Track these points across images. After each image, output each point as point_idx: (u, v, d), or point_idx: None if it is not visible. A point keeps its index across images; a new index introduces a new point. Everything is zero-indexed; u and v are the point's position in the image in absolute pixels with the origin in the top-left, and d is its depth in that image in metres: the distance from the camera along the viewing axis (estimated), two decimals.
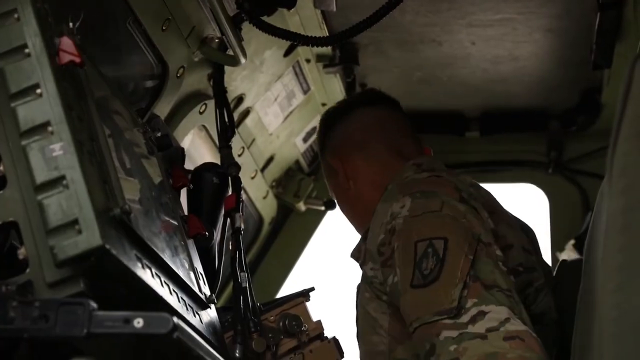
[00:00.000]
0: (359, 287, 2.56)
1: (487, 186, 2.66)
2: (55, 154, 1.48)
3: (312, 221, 4.12)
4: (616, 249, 1.44)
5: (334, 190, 2.93)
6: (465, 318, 2.09)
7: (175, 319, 1.40)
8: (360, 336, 2.56)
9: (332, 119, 2.92)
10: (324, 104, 3.79)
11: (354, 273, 2.66)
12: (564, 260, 2.72)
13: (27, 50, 1.55)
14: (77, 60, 1.62)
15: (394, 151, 2.74)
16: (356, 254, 2.65)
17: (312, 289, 2.72)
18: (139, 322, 1.38)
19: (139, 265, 1.64)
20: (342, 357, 2.70)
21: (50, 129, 1.49)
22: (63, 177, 1.47)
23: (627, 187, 1.44)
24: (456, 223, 2.27)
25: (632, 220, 1.42)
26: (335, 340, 2.68)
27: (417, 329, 2.17)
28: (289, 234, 4.12)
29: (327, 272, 5.09)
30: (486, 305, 2.09)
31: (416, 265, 2.21)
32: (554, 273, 2.70)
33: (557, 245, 3.77)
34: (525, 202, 4.40)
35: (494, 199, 2.61)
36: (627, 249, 1.42)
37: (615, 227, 1.44)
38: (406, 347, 2.36)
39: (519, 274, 2.37)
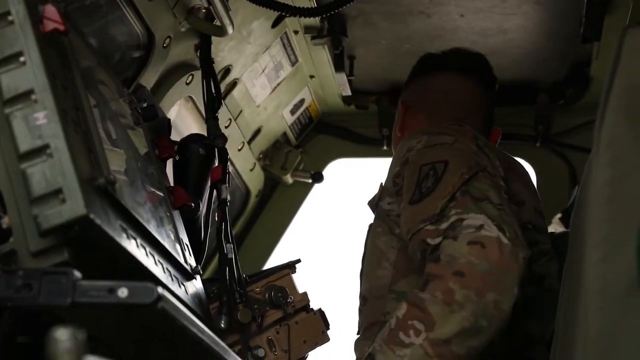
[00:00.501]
0: (370, 225, 2.59)
1: None
2: (39, 122, 1.46)
3: (299, 194, 4.11)
4: (602, 220, 1.43)
5: (393, 129, 2.98)
6: (444, 225, 2.16)
7: (159, 289, 1.39)
8: (364, 273, 2.57)
9: (424, 67, 2.97)
10: (312, 76, 3.77)
11: (340, 246, 2.66)
12: (550, 233, 2.72)
13: (10, 18, 1.53)
14: (61, 28, 1.61)
15: (457, 122, 2.69)
16: (372, 200, 2.65)
17: (299, 260, 2.73)
18: (123, 292, 1.37)
19: (124, 235, 1.63)
20: (328, 328, 2.71)
21: (34, 97, 1.47)
22: (47, 146, 1.45)
23: (614, 159, 1.43)
24: (464, 153, 2.34)
25: (618, 192, 1.42)
26: (321, 312, 2.69)
27: (410, 240, 2.26)
28: (276, 206, 4.10)
29: (314, 245, 5.10)
30: (467, 214, 2.16)
31: (417, 186, 2.31)
32: None
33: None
34: None
35: (519, 166, 2.67)
36: (613, 220, 1.42)
37: (601, 198, 1.44)
38: (409, 281, 2.39)
39: (527, 230, 2.40)
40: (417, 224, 2.23)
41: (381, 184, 2.58)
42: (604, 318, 1.41)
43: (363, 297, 2.53)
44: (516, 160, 2.68)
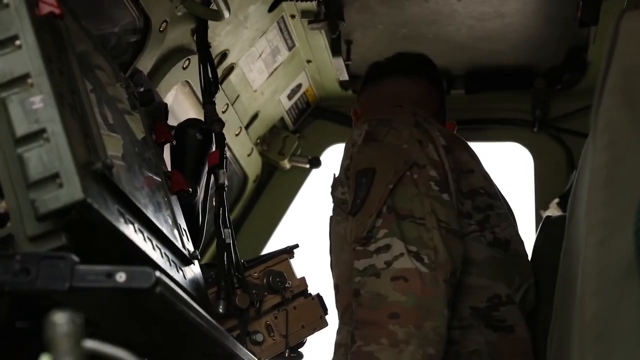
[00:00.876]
0: (330, 218, 2.64)
1: (472, 145, 2.67)
2: (36, 106, 1.45)
3: (297, 179, 4.11)
4: (599, 204, 1.43)
5: None
6: (373, 247, 2.29)
7: (157, 274, 1.39)
8: (333, 264, 2.62)
9: (370, 77, 3.02)
10: (309, 61, 3.77)
11: None
12: (548, 217, 2.73)
13: (5, 1, 1.51)
14: (57, 11, 1.60)
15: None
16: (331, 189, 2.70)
17: (296, 246, 2.73)
18: (121, 277, 1.37)
19: (122, 220, 1.63)
20: (326, 313, 2.72)
21: (29, 81, 1.46)
22: (43, 130, 1.44)
23: (611, 142, 1.43)
24: (392, 152, 2.41)
25: (615, 175, 1.42)
26: (319, 297, 2.69)
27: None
28: (274, 191, 4.11)
29: (312, 230, 5.10)
30: (391, 237, 2.28)
31: (355, 195, 2.40)
32: (538, 230, 2.71)
33: (541, 204, 3.77)
34: (510, 161, 4.40)
35: (463, 140, 2.71)
36: (610, 203, 1.42)
37: (598, 182, 1.44)
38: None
39: (480, 195, 2.50)
40: (353, 242, 2.36)
41: (334, 174, 2.63)
42: (601, 301, 1.41)
43: (335, 286, 2.58)
44: (459, 137, 2.74)
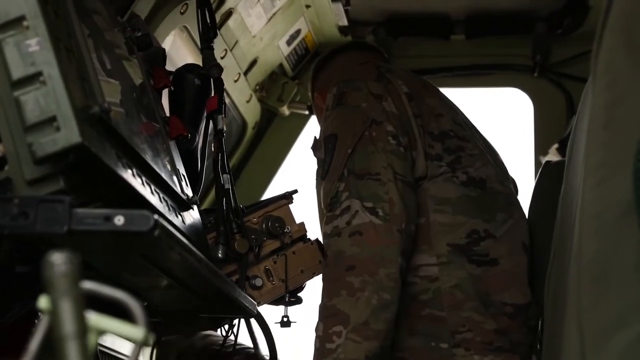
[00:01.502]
0: (316, 172, 2.70)
1: (472, 90, 2.69)
2: (32, 49, 1.44)
3: (296, 125, 4.10)
4: (598, 145, 1.43)
5: None
6: (338, 210, 2.45)
7: (156, 217, 1.39)
8: (320, 219, 2.70)
9: (318, 66, 3.11)
10: (308, 6, 3.73)
11: None
12: (547, 162, 2.72)
13: None
14: None
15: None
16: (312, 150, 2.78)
17: (295, 191, 2.73)
18: (119, 220, 1.37)
19: (120, 164, 1.63)
20: (325, 258, 2.72)
21: (25, 23, 1.45)
22: (40, 73, 1.44)
23: (611, 83, 1.42)
24: (352, 114, 2.53)
25: (615, 116, 1.41)
26: (318, 242, 2.70)
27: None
28: (273, 138, 4.10)
29: (311, 176, 5.10)
30: (351, 199, 2.43)
31: (324, 160, 2.54)
32: (538, 175, 2.71)
33: (540, 150, 3.77)
34: (510, 106, 4.39)
35: (433, 85, 2.78)
36: (610, 144, 1.41)
37: (598, 123, 1.43)
38: None
39: (450, 137, 2.57)
40: (324, 207, 2.52)
41: (315, 136, 2.70)
42: (600, 242, 1.41)
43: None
44: (428, 82, 2.79)
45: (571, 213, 1.68)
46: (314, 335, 2.40)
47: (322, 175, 2.55)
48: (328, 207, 2.48)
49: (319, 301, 2.41)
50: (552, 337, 2.02)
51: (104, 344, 2.63)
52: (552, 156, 3.55)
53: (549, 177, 2.61)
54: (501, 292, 2.47)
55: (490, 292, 2.46)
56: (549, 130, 3.78)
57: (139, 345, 1.01)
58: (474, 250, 2.48)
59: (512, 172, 2.77)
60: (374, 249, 2.36)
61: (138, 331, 0.99)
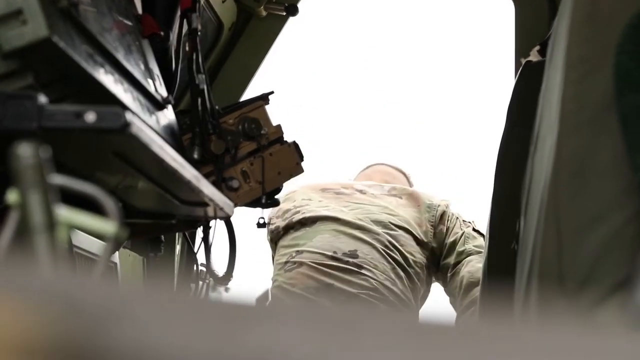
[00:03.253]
0: None
1: None
2: None
3: (274, 27, 4.02)
4: (580, 40, 1.40)
5: None
6: None
7: (128, 115, 1.36)
8: None
9: None
10: None
11: (314, 81, 2.64)
12: (528, 61, 2.69)
13: None
14: None
15: None
16: None
17: (272, 92, 2.69)
18: (90, 117, 1.34)
19: (91, 61, 1.59)
20: (302, 160, 2.71)
21: None
22: None
23: None
24: None
25: (598, 10, 1.38)
26: (295, 144, 2.67)
27: None
28: (250, 39, 4.02)
29: (290, 80, 5.05)
30: None
31: None
32: (517, 75, 2.69)
33: (521, 52, 3.73)
34: (491, 9, 4.33)
35: None
36: (591, 39, 1.39)
37: (580, 19, 1.40)
38: None
39: None
40: None
41: None
42: (580, 138, 1.40)
43: None
44: None
45: (551, 109, 1.66)
46: None
47: None
48: None
49: None
50: (527, 233, 2.02)
51: (82, 246, 2.62)
52: (533, 58, 3.52)
53: (528, 76, 2.58)
54: None
55: None
56: (531, 33, 3.73)
57: (111, 240, 0.99)
58: None
59: (494, 75, 2.74)
60: None
61: (110, 226, 0.97)
